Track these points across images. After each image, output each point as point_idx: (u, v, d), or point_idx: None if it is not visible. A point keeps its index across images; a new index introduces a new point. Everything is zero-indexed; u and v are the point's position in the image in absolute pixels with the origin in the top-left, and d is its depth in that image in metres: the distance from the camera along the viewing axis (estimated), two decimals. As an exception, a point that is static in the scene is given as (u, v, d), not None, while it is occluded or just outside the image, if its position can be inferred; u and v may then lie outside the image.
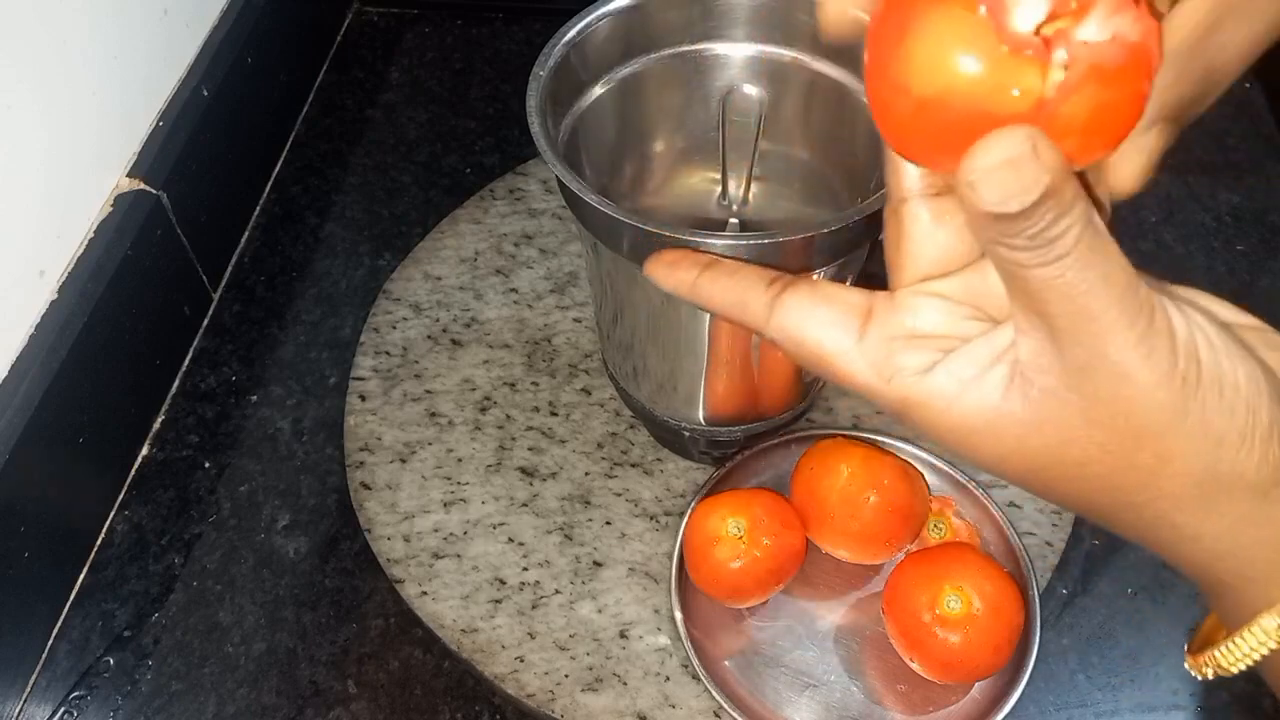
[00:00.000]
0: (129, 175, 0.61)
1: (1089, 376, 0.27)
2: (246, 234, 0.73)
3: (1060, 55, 0.24)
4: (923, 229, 0.31)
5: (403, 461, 0.61)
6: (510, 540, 0.58)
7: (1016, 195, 0.25)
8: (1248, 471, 0.28)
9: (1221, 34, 0.31)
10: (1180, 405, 0.27)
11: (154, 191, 0.62)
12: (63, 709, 0.53)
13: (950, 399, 0.29)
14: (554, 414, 0.63)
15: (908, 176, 0.31)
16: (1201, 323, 0.28)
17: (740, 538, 0.52)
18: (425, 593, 0.56)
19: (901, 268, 0.31)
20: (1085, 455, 0.28)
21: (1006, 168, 0.24)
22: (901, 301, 0.30)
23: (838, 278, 0.50)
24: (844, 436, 0.57)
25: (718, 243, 0.45)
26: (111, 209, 0.60)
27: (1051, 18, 0.24)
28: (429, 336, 0.67)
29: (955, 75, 0.24)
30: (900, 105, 0.26)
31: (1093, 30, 0.24)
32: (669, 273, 0.35)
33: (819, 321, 0.31)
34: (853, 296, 0.31)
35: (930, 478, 0.57)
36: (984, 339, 0.29)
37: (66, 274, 0.57)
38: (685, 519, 0.55)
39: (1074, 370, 0.27)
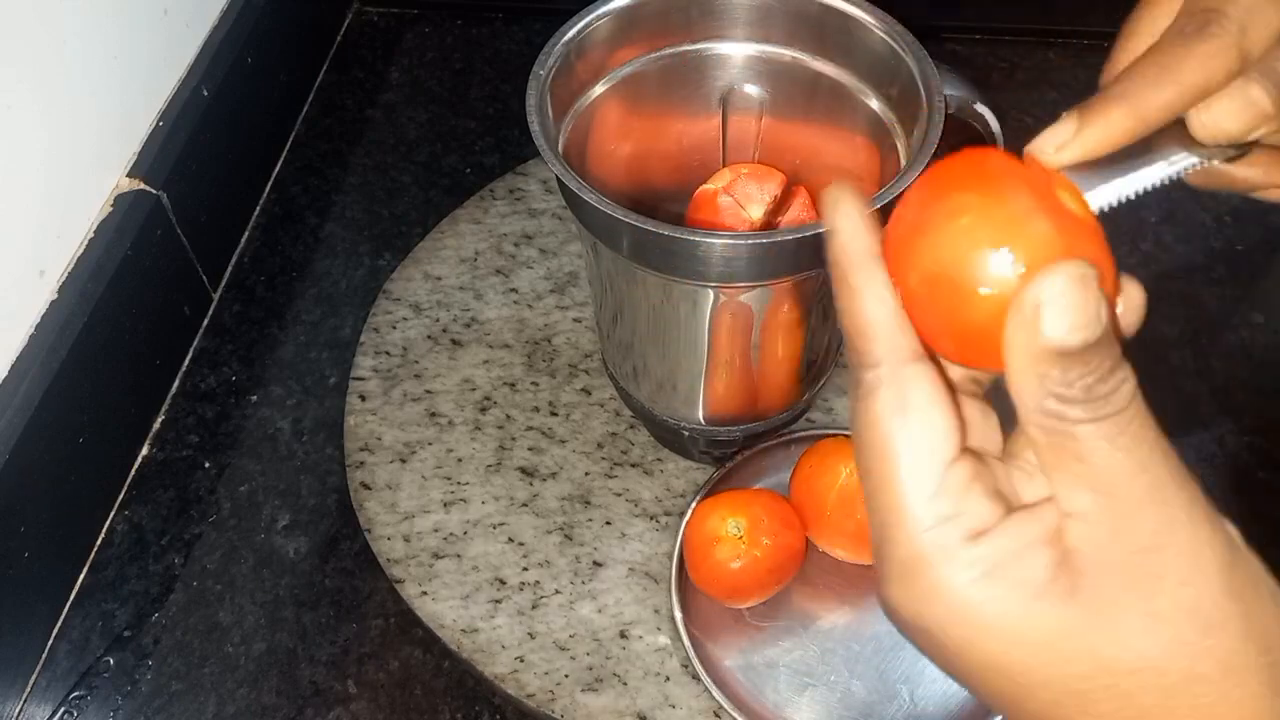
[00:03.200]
0: (129, 175, 0.61)
1: (1154, 561, 0.23)
2: (246, 234, 0.73)
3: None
4: (933, 390, 0.26)
5: (403, 461, 0.61)
6: (510, 540, 0.58)
7: (1083, 327, 0.23)
8: None
9: None
10: (1250, 620, 0.23)
11: (154, 191, 0.62)
12: (63, 709, 0.53)
13: (985, 570, 0.24)
14: (554, 414, 0.63)
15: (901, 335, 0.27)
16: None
17: (740, 538, 0.52)
18: (425, 593, 0.56)
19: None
20: (1140, 661, 0.23)
21: (1073, 292, 0.23)
22: (1012, 450, 0.27)
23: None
24: (844, 437, 0.57)
25: (718, 242, 0.45)
26: (111, 209, 0.60)
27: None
28: (429, 336, 0.67)
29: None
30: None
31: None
32: (850, 226, 0.27)
33: (934, 412, 0.25)
34: (962, 423, 0.26)
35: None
36: (1028, 514, 0.25)
37: (66, 274, 0.57)
38: (685, 519, 0.55)
39: (1137, 553, 0.23)
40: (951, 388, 0.27)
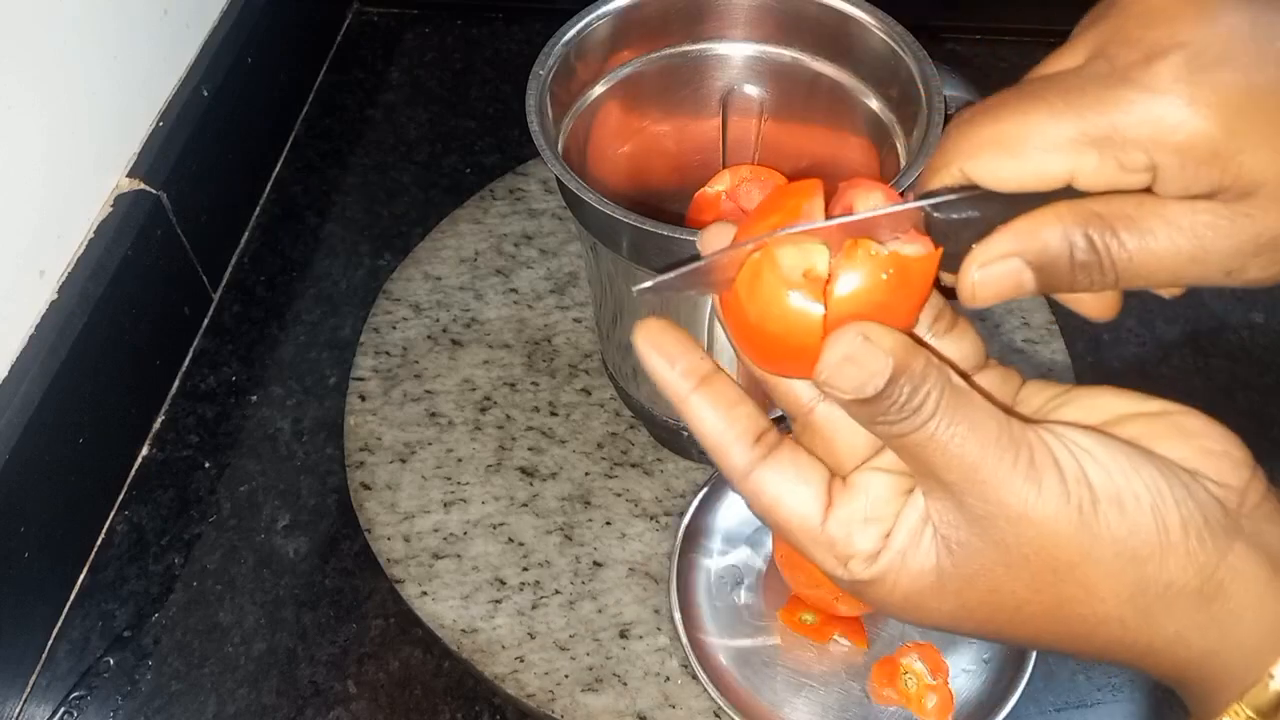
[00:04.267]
0: (129, 175, 0.61)
1: (992, 525, 0.28)
2: (246, 234, 0.73)
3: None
4: (839, 423, 0.31)
5: (403, 461, 0.61)
6: (510, 540, 0.58)
7: (869, 380, 0.27)
8: (1175, 579, 0.28)
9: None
10: (1085, 533, 0.28)
11: (154, 191, 0.62)
12: (63, 709, 0.53)
13: (896, 572, 0.30)
14: (554, 414, 0.63)
15: (796, 388, 0.32)
16: (1086, 444, 0.28)
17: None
18: (425, 593, 0.56)
19: (841, 463, 0.32)
20: (1018, 599, 0.29)
21: (847, 362, 0.27)
22: (853, 482, 0.31)
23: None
24: None
25: (717, 243, 0.45)
26: (111, 209, 0.60)
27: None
28: (429, 336, 0.67)
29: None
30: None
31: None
32: (661, 362, 0.31)
33: (793, 499, 0.31)
34: (824, 473, 0.31)
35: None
36: (909, 505, 0.30)
37: (66, 274, 0.57)
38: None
39: (976, 522, 0.28)
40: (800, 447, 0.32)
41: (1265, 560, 0.28)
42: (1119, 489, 0.28)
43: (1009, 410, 0.29)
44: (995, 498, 0.28)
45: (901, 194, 0.30)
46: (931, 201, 0.31)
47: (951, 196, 0.31)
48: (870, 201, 0.30)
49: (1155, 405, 0.31)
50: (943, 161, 0.31)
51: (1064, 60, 0.33)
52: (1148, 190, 0.30)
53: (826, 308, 0.28)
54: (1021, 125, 0.30)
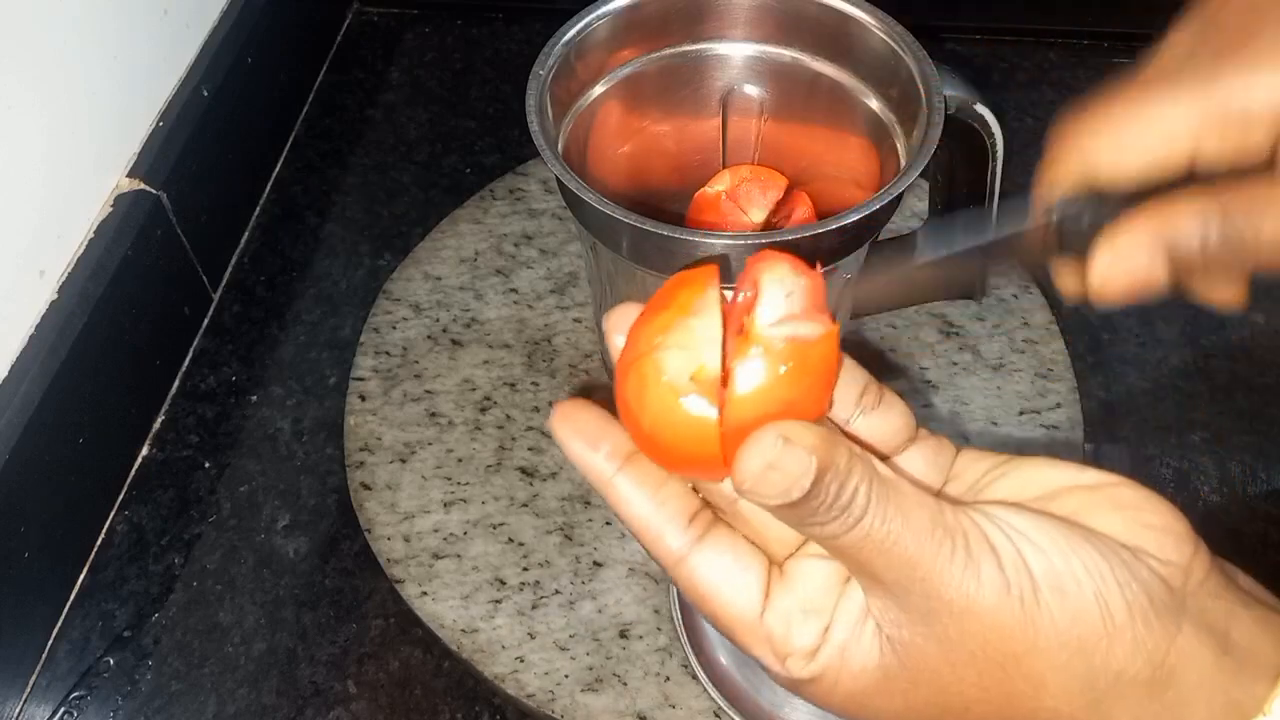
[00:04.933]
0: (129, 175, 0.61)
1: (935, 620, 0.27)
2: (246, 234, 0.73)
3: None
4: (767, 515, 0.29)
5: (403, 461, 0.61)
6: (510, 540, 0.58)
7: (793, 485, 0.26)
8: (1125, 668, 0.27)
9: None
10: (1028, 624, 0.27)
11: (154, 191, 0.62)
12: (63, 709, 0.53)
13: (837, 670, 0.28)
14: (554, 414, 0.63)
15: (714, 485, 0.31)
16: (1021, 526, 0.27)
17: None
18: (425, 593, 0.56)
19: (774, 551, 0.30)
20: (966, 699, 0.28)
21: (769, 470, 0.26)
22: (789, 571, 0.30)
23: (836, 278, 0.50)
24: None
25: (717, 242, 0.45)
26: (111, 209, 0.60)
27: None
28: (429, 336, 0.67)
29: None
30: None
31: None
32: (581, 446, 0.30)
33: (730, 589, 0.29)
34: (762, 559, 0.30)
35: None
36: (847, 597, 0.29)
37: (66, 274, 0.57)
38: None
39: (920, 619, 0.27)
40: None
41: (1212, 641, 0.27)
42: (1059, 574, 0.27)
43: (939, 494, 0.29)
44: (936, 593, 0.27)
45: (812, 266, 0.29)
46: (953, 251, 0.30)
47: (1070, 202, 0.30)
48: (776, 273, 0.28)
49: (1091, 477, 0.30)
50: (1062, 156, 0.30)
51: (1164, 56, 0.32)
52: (1270, 167, 0.29)
53: (722, 410, 0.27)
54: (1140, 111, 0.29)
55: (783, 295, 0.27)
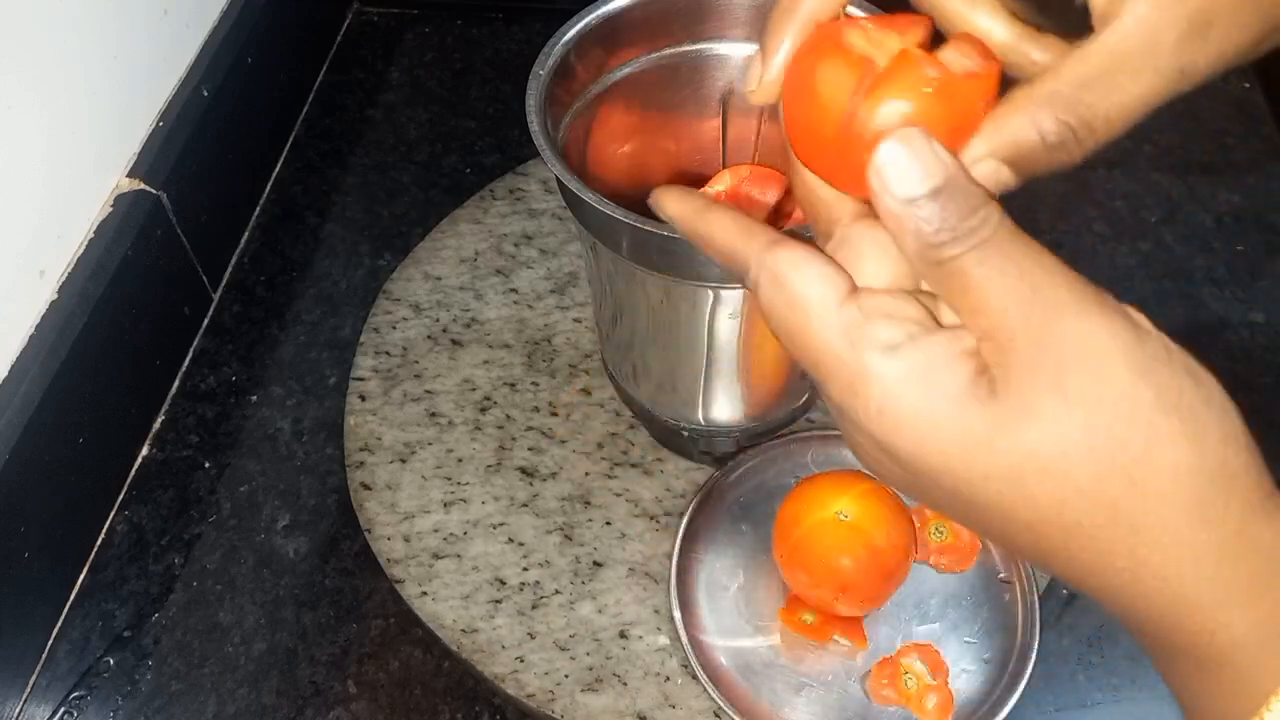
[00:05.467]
0: (129, 175, 0.61)
1: (1055, 353, 0.25)
2: (246, 234, 0.73)
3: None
4: (868, 245, 0.29)
5: (403, 461, 0.61)
6: (510, 540, 0.58)
7: (922, 177, 0.26)
8: (1239, 473, 0.25)
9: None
10: (1162, 390, 0.25)
11: (154, 191, 0.62)
12: (63, 709, 0.53)
13: (913, 376, 0.26)
14: (554, 414, 0.63)
15: (833, 202, 0.31)
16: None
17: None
18: (425, 593, 0.56)
19: (869, 275, 0.30)
20: (1063, 442, 0.25)
21: (906, 155, 0.26)
22: (883, 290, 0.29)
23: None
24: (834, 474, 0.54)
25: (717, 243, 0.45)
26: (111, 209, 0.60)
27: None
28: (429, 336, 0.67)
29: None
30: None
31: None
32: (675, 200, 0.32)
33: (808, 275, 0.28)
34: (843, 271, 0.29)
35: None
36: (951, 333, 0.27)
37: (66, 274, 0.57)
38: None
39: (1038, 350, 0.25)
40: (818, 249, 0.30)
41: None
42: (1189, 361, 0.26)
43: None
44: (1065, 332, 0.25)
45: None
46: None
47: None
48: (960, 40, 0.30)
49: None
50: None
51: None
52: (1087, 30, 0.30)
53: (863, 104, 0.28)
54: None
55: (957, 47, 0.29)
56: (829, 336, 0.28)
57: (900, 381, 0.27)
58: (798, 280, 0.28)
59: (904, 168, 0.26)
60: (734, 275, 0.31)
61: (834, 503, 0.51)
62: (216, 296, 0.69)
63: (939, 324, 0.28)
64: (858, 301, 0.28)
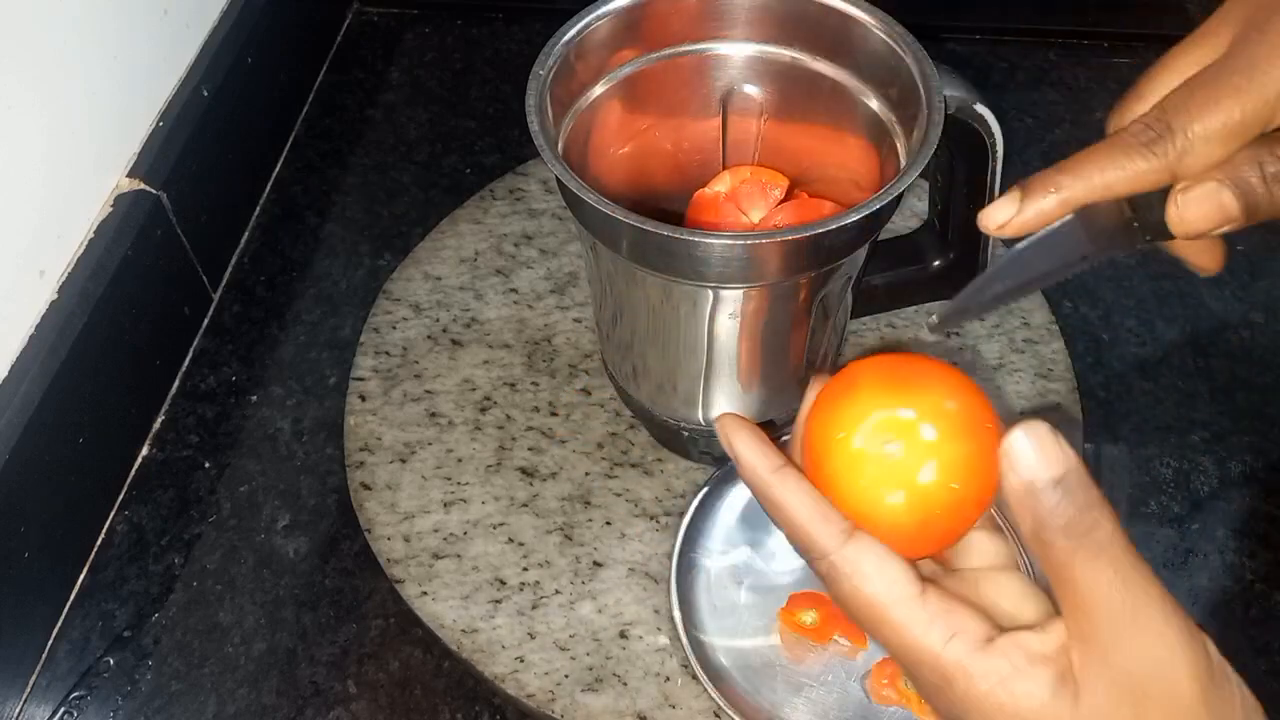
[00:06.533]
0: (129, 175, 0.61)
1: (1139, 680, 0.28)
2: (246, 234, 0.73)
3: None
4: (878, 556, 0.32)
5: (403, 461, 0.61)
6: (510, 540, 0.58)
7: (1051, 464, 0.28)
8: None
9: None
10: (1211, 691, 0.28)
11: (154, 191, 0.62)
12: (63, 709, 0.53)
13: (1002, 679, 0.29)
14: (554, 414, 0.63)
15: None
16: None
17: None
18: (425, 593, 0.56)
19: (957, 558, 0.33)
20: None
21: (1036, 443, 0.28)
22: (966, 574, 0.32)
23: (837, 278, 0.50)
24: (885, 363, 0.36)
25: (716, 243, 0.45)
26: (111, 209, 0.60)
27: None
28: (429, 336, 0.67)
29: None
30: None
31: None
32: (747, 448, 0.33)
33: (889, 567, 0.31)
34: (911, 565, 0.31)
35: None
36: (1041, 632, 0.30)
37: (66, 274, 0.57)
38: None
39: (1124, 673, 0.28)
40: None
41: None
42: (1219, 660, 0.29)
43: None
44: (1151, 651, 0.28)
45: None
46: None
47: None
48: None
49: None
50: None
51: (1204, 43, 0.36)
52: None
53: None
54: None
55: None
56: (917, 627, 0.30)
57: (987, 679, 0.29)
58: (876, 575, 0.30)
59: (1036, 453, 0.28)
60: (798, 547, 0.32)
61: (883, 424, 0.33)
62: (216, 296, 0.69)
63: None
64: (939, 590, 0.30)
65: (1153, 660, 0.28)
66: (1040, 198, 0.35)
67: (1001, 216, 0.36)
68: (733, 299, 0.48)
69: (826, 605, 0.54)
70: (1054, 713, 0.28)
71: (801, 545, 0.32)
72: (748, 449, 0.33)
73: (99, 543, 0.59)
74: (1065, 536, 0.28)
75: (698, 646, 0.53)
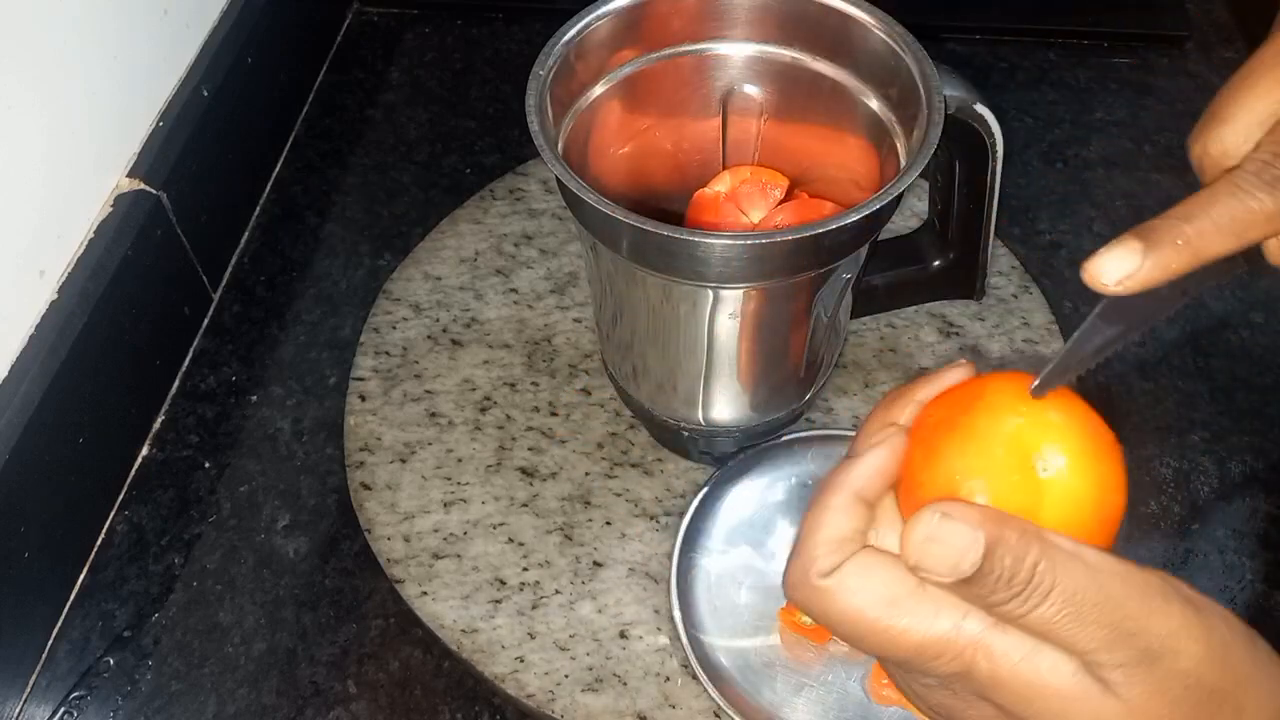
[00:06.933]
0: (129, 175, 0.61)
1: (1155, 662, 0.27)
2: (246, 234, 0.73)
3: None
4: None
5: (403, 461, 0.61)
6: (510, 540, 0.58)
7: (960, 559, 0.26)
8: None
9: None
10: (1228, 653, 0.28)
11: (154, 191, 0.62)
12: (63, 709, 0.53)
13: (1025, 654, 0.28)
14: (554, 414, 0.63)
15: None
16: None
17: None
18: (425, 593, 0.56)
19: None
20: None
21: (928, 542, 0.26)
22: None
23: (837, 278, 0.50)
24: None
25: (716, 243, 0.45)
26: (111, 209, 0.60)
27: None
28: (429, 336, 0.67)
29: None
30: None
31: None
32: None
33: (880, 569, 0.30)
34: (897, 560, 0.30)
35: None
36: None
37: (66, 274, 0.57)
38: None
39: (1136, 662, 0.27)
40: None
41: None
42: (1233, 621, 0.29)
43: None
44: (1146, 636, 0.27)
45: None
46: None
47: None
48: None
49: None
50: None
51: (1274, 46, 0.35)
52: None
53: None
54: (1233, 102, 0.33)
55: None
56: (930, 621, 0.28)
57: (1013, 653, 0.28)
58: (877, 581, 0.29)
59: (934, 555, 0.27)
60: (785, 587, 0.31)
61: (1031, 439, 0.33)
62: (216, 296, 0.69)
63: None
64: (934, 588, 0.29)
65: (1148, 635, 0.27)
66: (1168, 251, 0.31)
67: (1118, 271, 0.31)
68: (733, 299, 0.48)
69: None
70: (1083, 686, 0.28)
71: (797, 560, 0.31)
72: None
73: (99, 543, 0.59)
74: (1014, 605, 0.27)
75: (698, 646, 0.53)
